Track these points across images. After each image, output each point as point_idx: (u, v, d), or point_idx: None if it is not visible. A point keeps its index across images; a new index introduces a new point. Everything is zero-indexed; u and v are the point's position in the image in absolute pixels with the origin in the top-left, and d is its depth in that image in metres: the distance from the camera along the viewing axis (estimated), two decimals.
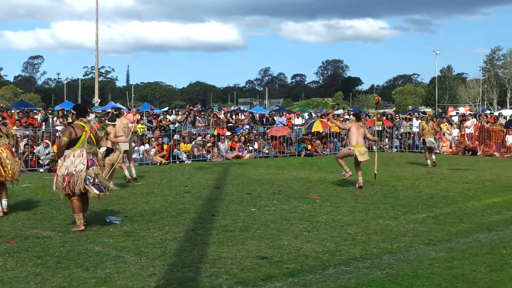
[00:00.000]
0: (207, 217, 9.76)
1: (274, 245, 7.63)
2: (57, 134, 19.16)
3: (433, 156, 20.08)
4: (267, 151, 24.65)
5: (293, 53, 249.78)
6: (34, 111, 28.77)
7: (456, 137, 27.32)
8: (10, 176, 10.07)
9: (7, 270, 6.39)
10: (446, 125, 28.36)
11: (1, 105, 24.54)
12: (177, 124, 25.35)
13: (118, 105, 53.62)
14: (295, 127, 27.95)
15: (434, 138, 20.86)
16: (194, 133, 24.05)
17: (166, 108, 41.87)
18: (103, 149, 13.72)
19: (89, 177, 8.73)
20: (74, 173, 8.63)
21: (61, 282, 5.99)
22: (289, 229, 8.73)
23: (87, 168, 8.73)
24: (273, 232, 8.50)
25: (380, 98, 22.91)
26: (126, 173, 14.96)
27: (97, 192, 8.81)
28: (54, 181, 8.90)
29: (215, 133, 24.57)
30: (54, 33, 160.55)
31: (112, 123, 13.89)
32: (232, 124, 26.68)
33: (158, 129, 23.57)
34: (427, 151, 20.11)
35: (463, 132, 26.93)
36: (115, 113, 15.45)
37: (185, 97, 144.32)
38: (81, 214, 8.73)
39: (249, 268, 6.51)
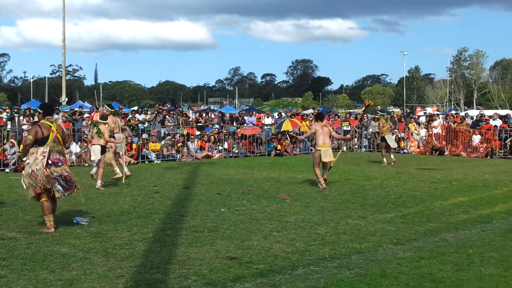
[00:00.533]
0: (176, 217, 9.70)
1: (243, 246, 7.61)
2: (23, 134, 18.83)
3: (392, 156, 20.36)
4: (237, 151, 24.62)
5: (263, 53, 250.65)
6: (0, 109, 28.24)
7: (424, 137, 27.66)
8: None
9: None
10: (414, 125, 28.69)
11: None
12: (146, 124, 25.15)
13: (86, 104, 53.02)
14: (265, 127, 27.97)
15: (395, 137, 21.23)
16: (163, 132, 23.90)
17: (135, 108, 41.50)
18: (96, 147, 13.60)
19: (54, 176, 8.59)
20: (34, 170, 8.50)
21: (27, 285, 5.88)
22: (258, 229, 8.71)
23: (49, 166, 8.59)
24: (243, 232, 8.47)
25: (372, 103, 23.13)
26: (118, 170, 14.68)
27: (61, 192, 8.67)
28: (23, 181, 8.76)
29: (185, 132, 24.45)
30: (20, 31, 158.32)
31: (104, 121, 13.75)
32: (201, 124, 26.58)
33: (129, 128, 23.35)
34: (384, 148, 20.49)
35: (431, 132, 27.27)
36: (111, 111, 15.23)
37: (155, 96, 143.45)
38: (51, 216, 8.61)
39: (218, 269, 6.48)
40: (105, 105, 17.60)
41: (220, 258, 6.94)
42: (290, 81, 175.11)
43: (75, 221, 9.06)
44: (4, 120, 23.13)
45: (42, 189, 8.51)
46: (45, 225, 8.59)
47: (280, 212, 10.21)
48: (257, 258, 6.96)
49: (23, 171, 8.78)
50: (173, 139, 23.30)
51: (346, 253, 7.27)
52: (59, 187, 8.64)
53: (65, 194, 8.76)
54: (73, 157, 19.59)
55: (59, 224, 8.89)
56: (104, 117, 14.05)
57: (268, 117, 31.68)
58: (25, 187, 8.71)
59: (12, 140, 19.20)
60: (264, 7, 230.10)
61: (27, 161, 8.64)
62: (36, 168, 8.53)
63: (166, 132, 24.21)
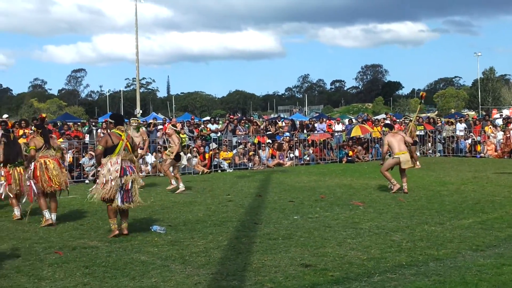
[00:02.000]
0: (250, 225, 9.79)
1: (318, 253, 7.60)
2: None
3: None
4: (308, 158, 24.57)
5: (331, 59, 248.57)
6: (78, 123, 29.29)
7: (501, 140, 26.72)
8: (57, 186, 10.33)
9: (56, 281, 6.53)
10: (490, 128, 27.79)
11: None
12: (218, 133, 25.50)
13: (160, 115, 54.27)
14: (336, 134, 27.80)
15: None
16: (235, 141, 24.18)
17: (207, 118, 42.18)
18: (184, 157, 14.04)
19: (123, 185, 8.92)
20: (108, 181, 8.85)
21: None
22: (332, 236, 8.68)
23: (121, 176, 8.93)
24: (317, 239, 8.46)
25: (425, 93, 22.57)
26: (174, 182, 14.99)
27: (119, 204, 8.96)
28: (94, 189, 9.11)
29: (256, 141, 24.63)
30: (95, 47, 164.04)
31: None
32: (272, 132, 26.70)
33: (199, 138, 23.76)
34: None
35: (508, 135, 26.28)
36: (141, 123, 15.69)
37: (225, 106, 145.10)
38: (115, 219, 8.97)
39: (293, 276, 6.50)
40: (134, 118, 17.98)
41: (295, 265, 6.96)
42: (360, 87, 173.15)
43: (152, 230, 9.31)
44: (83, 133, 23.98)
45: (104, 199, 8.93)
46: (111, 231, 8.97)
47: (353, 219, 10.12)
48: (332, 265, 6.94)
49: (97, 180, 9.14)
50: (245, 148, 23.52)
51: (423, 260, 7.13)
52: (119, 198, 8.95)
53: (120, 206, 9.00)
54: (149, 167, 20.10)
55: (138, 232, 9.16)
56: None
57: (338, 123, 31.47)
58: (92, 193, 9.07)
59: (91, 152, 19.89)
60: (332, 13, 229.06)
61: (102, 172, 8.99)
62: (110, 178, 8.86)
63: (238, 141, 24.47)
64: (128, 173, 9.00)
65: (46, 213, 10.22)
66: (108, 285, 6.35)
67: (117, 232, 8.87)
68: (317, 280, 6.32)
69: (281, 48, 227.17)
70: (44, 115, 11.89)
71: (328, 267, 6.87)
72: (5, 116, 26.45)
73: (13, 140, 11.40)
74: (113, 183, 8.83)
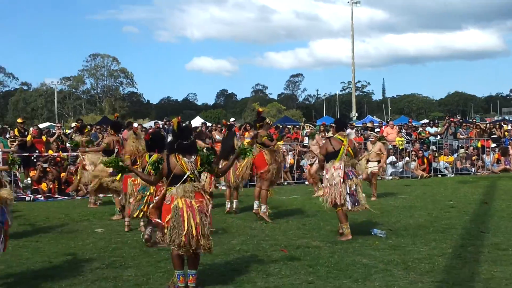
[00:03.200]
0: (475, 233, 9.31)
1: None
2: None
3: None
4: None
5: None
6: (297, 126, 30.33)
7: None
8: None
9: (283, 277, 6.83)
10: None
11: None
12: (438, 137, 24.60)
13: (375, 118, 53.96)
14: None
15: None
16: (456, 145, 23.13)
17: (425, 120, 40.93)
18: None
19: (348, 189, 8.99)
20: (332, 185, 8.98)
21: None
22: None
23: (344, 181, 9.00)
24: None
25: None
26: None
27: (349, 208, 9.03)
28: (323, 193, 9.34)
29: (479, 145, 23.29)
30: (312, 52, 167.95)
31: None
32: (497, 136, 25.03)
33: (417, 141, 23.15)
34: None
35: None
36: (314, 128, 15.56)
37: (444, 108, 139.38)
38: (347, 224, 9.02)
39: None
40: (309, 124, 17.62)
41: None
42: None
43: (373, 233, 9.29)
44: (302, 136, 24.75)
45: (333, 203, 9.00)
46: (343, 234, 9.01)
47: None
48: None
49: (322, 184, 9.37)
50: (467, 152, 22.38)
51: None
52: (348, 202, 9.00)
53: (350, 209, 9.06)
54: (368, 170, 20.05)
55: (358, 235, 9.20)
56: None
57: None
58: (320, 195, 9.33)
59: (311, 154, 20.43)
60: None
61: (326, 176, 9.18)
62: (334, 182, 9.01)
63: (459, 145, 23.38)
64: (351, 177, 9.09)
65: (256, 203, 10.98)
66: (331, 285, 6.48)
67: (350, 237, 8.93)
68: None
69: (505, 46, 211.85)
70: (260, 109, 12.64)
71: None
72: (232, 119, 28.39)
73: (228, 137, 12.22)
74: (340, 188, 8.97)
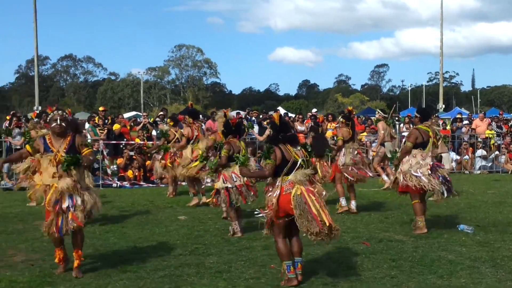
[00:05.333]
0: None
1: None
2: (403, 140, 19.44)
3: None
4: None
5: None
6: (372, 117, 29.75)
7: None
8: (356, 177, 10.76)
9: (365, 270, 6.72)
10: None
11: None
12: None
13: (463, 110, 52.25)
14: None
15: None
16: None
17: None
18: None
19: (439, 178, 8.76)
20: (417, 174, 8.73)
21: (416, 287, 6.06)
22: None
23: (433, 171, 8.76)
24: None
25: None
26: (385, 178, 14.15)
27: (445, 195, 8.79)
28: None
29: None
30: (398, 41, 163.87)
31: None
32: None
33: (508, 135, 22.20)
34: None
35: None
36: (384, 116, 15.02)
37: None
38: (423, 217, 8.81)
39: None
40: (379, 110, 16.95)
41: None
42: None
43: (459, 229, 8.98)
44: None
45: (418, 190, 8.74)
46: (418, 227, 8.80)
47: None
48: None
49: (400, 168, 9.11)
50: None
51: None
52: (443, 189, 8.75)
53: (445, 197, 8.85)
54: (453, 164, 19.46)
55: (444, 230, 8.95)
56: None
57: None
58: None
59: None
60: None
61: (410, 162, 8.93)
62: (420, 171, 8.76)
63: None
64: (437, 168, 8.85)
65: (343, 201, 10.73)
66: (415, 280, 6.32)
67: (425, 230, 8.72)
68: None
69: None
70: (350, 108, 12.31)
71: None
72: (314, 110, 28.22)
73: (321, 133, 12.10)
74: (429, 177, 8.72)
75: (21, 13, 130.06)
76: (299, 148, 6.36)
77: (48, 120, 6.82)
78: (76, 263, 6.57)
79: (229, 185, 8.75)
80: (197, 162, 11.26)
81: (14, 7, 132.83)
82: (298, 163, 6.21)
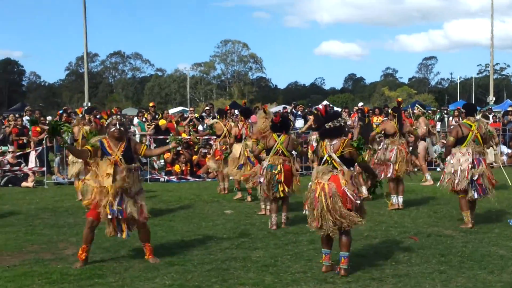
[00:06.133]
0: None
1: None
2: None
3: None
4: None
5: None
6: (429, 111, 29.25)
7: None
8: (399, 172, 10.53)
9: (413, 265, 6.63)
10: None
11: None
12: None
13: None
14: None
15: None
16: None
17: None
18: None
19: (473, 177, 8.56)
20: (458, 171, 8.62)
21: (466, 283, 5.96)
22: None
23: (473, 168, 8.58)
24: None
25: None
26: (428, 177, 14.14)
27: (475, 197, 8.67)
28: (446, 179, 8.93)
29: None
30: (446, 33, 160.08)
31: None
32: None
33: None
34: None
35: None
36: (423, 111, 14.70)
37: None
38: (468, 212, 8.69)
39: None
40: (418, 105, 16.51)
41: None
42: None
43: (510, 223, 8.79)
44: (435, 121, 23.89)
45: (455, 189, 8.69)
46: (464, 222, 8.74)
47: None
48: None
49: (445, 169, 9.00)
50: None
51: None
52: (473, 190, 8.64)
53: (476, 198, 8.72)
54: (504, 157, 19.01)
55: (494, 224, 8.81)
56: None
57: None
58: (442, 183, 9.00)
59: (443, 140, 19.65)
60: None
61: (452, 161, 8.79)
62: (460, 168, 8.60)
63: None
64: (477, 165, 8.62)
65: (394, 198, 10.52)
66: (465, 275, 6.20)
67: (470, 225, 8.61)
68: None
69: None
70: (400, 99, 12.18)
71: None
72: (360, 104, 27.98)
73: (367, 124, 12.04)
74: (462, 174, 8.57)
75: (71, 12, 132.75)
76: (334, 142, 6.30)
77: (106, 125, 7.16)
78: (148, 255, 6.96)
79: (261, 179, 8.88)
80: (248, 168, 11.23)
81: (64, 6, 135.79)
82: (324, 158, 6.30)
